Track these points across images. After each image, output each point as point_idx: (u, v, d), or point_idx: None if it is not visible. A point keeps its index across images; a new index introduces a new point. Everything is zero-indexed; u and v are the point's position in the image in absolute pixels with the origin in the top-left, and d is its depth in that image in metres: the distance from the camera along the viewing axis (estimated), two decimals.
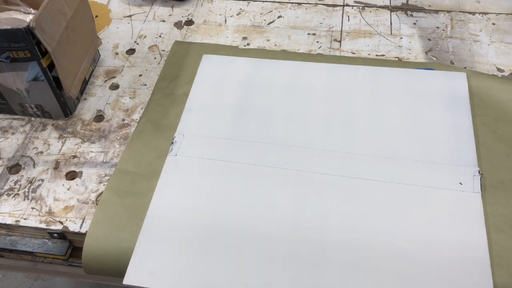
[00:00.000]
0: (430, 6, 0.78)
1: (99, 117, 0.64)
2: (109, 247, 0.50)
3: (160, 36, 0.76)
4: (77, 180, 0.57)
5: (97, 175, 0.58)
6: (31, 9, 0.65)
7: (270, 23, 0.77)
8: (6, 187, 0.57)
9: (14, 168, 0.59)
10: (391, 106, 0.62)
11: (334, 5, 0.80)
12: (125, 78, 0.69)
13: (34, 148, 0.61)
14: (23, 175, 0.58)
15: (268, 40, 0.74)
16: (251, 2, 0.82)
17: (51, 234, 0.54)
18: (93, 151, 0.60)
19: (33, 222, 0.53)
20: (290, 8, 0.80)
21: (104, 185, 0.56)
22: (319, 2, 0.81)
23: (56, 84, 0.60)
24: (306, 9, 0.79)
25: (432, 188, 0.53)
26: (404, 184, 0.54)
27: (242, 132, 0.60)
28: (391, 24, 0.76)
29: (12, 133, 0.63)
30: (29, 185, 0.57)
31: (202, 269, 0.48)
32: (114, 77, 0.70)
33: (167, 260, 0.49)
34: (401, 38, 0.73)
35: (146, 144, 0.59)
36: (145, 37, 0.76)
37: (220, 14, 0.80)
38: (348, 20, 0.77)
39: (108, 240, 0.51)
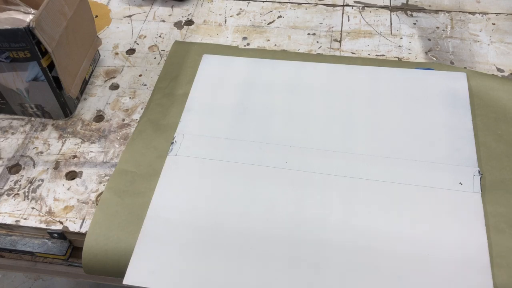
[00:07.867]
0: (430, 6, 0.78)
1: (99, 117, 0.64)
2: (109, 247, 0.50)
3: (160, 36, 0.76)
4: (77, 180, 0.57)
5: (97, 175, 0.58)
6: (31, 9, 0.65)
7: (270, 23, 0.77)
8: (6, 187, 0.57)
9: (14, 168, 0.59)
10: (391, 106, 0.62)
11: (334, 5, 0.80)
12: (125, 78, 0.69)
13: (34, 148, 0.61)
14: (23, 175, 0.58)
15: (268, 40, 0.74)
16: (251, 2, 0.82)
17: (51, 234, 0.54)
18: (93, 151, 0.60)
19: (33, 222, 0.53)
20: (290, 8, 0.80)
21: (104, 185, 0.56)
22: (319, 2, 0.81)
23: (56, 84, 0.60)
24: (306, 9, 0.79)
25: (432, 188, 0.53)
26: (404, 184, 0.54)
27: (242, 132, 0.60)
28: (391, 24, 0.76)
29: (12, 133, 0.63)
30: (29, 185, 0.57)
31: (202, 269, 0.48)
32: (114, 77, 0.70)
33: (167, 260, 0.49)
34: (401, 38, 0.73)
35: (146, 144, 0.59)
36: (145, 37, 0.76)
37: (220, 14, 0.80)
38: (348, 20, 0.77)
39: (108, 240, 0.51)
